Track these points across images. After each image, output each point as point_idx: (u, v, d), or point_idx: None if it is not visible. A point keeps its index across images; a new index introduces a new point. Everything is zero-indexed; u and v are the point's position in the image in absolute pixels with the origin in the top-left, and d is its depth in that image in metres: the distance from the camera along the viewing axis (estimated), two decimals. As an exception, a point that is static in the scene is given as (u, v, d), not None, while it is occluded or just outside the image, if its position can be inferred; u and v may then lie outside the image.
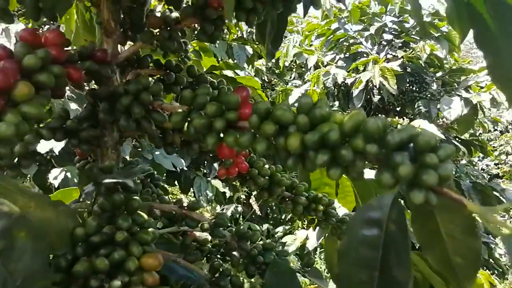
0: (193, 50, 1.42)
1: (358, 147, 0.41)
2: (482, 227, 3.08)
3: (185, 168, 2.58)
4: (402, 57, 2.69)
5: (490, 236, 2.85)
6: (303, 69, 3.19)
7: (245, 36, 4.94)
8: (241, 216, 3.80)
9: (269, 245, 0.73)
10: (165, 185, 2.70)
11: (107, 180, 0.50)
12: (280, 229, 3.37)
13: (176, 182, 3.10)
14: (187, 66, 0.88)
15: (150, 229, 0.60)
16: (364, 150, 0.41)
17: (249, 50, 3.39)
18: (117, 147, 0.73)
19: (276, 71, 5.38)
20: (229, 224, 0.76)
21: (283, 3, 0.70)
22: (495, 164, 8.25)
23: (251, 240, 0.72)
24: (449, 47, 2.73)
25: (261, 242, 0.77)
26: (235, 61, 3.41)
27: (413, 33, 2.88)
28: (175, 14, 0.73)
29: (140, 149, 2.67)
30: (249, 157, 0.90)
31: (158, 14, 0.73)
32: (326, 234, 0.99)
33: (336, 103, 3.30)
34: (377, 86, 2.51)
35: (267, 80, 4.73)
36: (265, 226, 4.15)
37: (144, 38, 0.70)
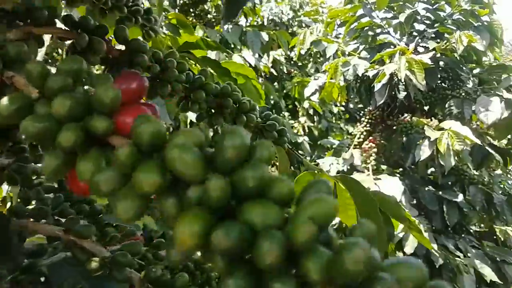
0: (168, 24, 1.15)
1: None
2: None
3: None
4: (434, 49, 2.35)
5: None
6: (321, 59, 2.90)
7: (265, 23, 4.66)
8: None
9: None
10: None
11: None
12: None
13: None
14: (114, 28, 0.62)
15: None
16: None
17: (265, 36, 3.11)
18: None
19: (299, 63, 5.07)
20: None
21: None
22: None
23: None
24: (490, 39, 2.38)
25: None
26: (249, 48, 3.14)
27: (449, 22, 2.53)
28: None
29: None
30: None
31: None
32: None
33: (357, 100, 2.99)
34: (403, 81, 2.19)
35: (286, 72, 4.44)
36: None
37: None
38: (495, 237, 2.73)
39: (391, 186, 2.01)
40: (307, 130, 5.15)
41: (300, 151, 4.76)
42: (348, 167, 2.41)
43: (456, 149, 1.97)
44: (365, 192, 0.77)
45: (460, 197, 2.36)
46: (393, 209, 0.83)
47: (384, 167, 2.45)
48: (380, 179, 2.09)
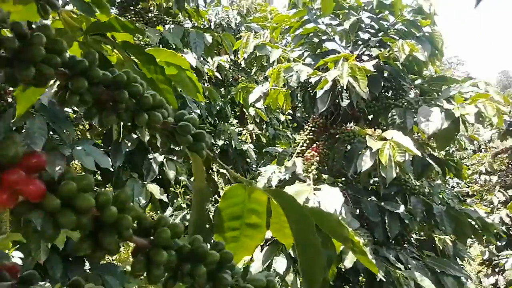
0: (79, 1, 0.97)
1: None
2: (452, 251, 2.76)
3: (111, 169, 2.13)
4: (378, 56, 2.32)
5: (462, 269, 2.52)
6: (265, 64, 2.81)
7: (212, 27, 4.52)
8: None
9: None
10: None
11: None
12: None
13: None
14: None
15: None
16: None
17: (209, 38, 2.97)
18: None
19: (248, 70, 4.97)
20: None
21: None
22: (465, 183, 8.13)
23: None
24: (431, 50, 2.39)
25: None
26: (192, 50, 2.98)
27: (392, 32, 2.52)
28: None
29: (60, 142, 2.21)
30: (64, 171, 0.48)
31: None
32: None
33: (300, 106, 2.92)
34: (345, 87, 2.13)
35: (232, 78, 4.33)
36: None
37: None
38: (434, 245, 2.75)
39: (331, 197, 1.92)
40: (255, 138, 5.06)
41: (247, 159, 4.65)
42: (290, 176, 2.31)
43: (398, 161, 1.92)
44: (300, 209, 0.64)
45: (402, 208, 2.33)
46: (334, 228, 0.71)
47: (325, 176, 2.38)
48: (320, 189, 2.01)
